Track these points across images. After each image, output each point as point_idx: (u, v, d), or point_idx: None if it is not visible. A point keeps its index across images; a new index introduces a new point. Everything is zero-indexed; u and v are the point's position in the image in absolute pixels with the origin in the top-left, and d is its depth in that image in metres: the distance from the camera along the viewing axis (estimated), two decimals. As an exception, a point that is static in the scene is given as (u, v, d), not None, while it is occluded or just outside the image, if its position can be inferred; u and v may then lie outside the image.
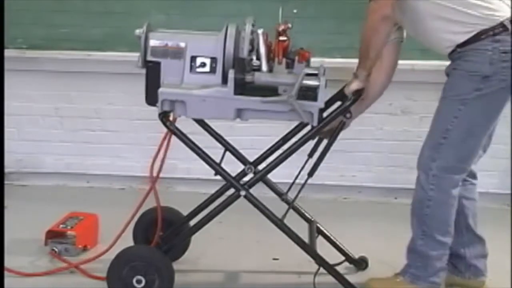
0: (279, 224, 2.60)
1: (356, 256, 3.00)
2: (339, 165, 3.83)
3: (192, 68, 2.51)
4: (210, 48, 2.51)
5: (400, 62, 2.80)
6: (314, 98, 2.44)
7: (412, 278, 2.67)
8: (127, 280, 2.56)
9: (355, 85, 2.55)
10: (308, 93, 2.44)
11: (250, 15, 2.57)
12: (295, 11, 2.49)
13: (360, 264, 2.99)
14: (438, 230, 2.61)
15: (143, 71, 3.89)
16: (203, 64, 2.50)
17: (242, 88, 2.47)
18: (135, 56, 3.77)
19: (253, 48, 2.52)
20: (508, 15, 2.44)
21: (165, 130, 2.60)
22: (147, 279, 2.55)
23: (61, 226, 3.11)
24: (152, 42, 2.54)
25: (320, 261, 2.66)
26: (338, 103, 2.68)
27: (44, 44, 3.83)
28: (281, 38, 2.48)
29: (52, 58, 3.84)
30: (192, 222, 2.82)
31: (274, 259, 3.06)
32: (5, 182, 3.34)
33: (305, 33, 3.72)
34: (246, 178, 2.69)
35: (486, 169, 3.92)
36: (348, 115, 2.57)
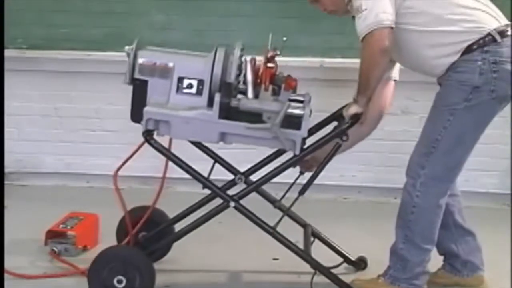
0: (272, 232, 2.61)
1: (355, 256, 3.00)
2: (339, 165, 3.82)
3: (178, 89, 2.53)
4: (198, 70, 2.52)
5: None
6: (298, 127, 2.46)
7: (392, 279, 2.69)
8: (108, 281, 2.56)
9: (354, 109, 2.55)
10: (292, 122, 2.47)
11: (240, 40, 2.59)
12: (284, 38, 2.51)
13: (359, 264, 2.99)
14: (421, 237, 2.62)
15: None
16: (190, 86, 2.52)
17: (227, 112, 2.49)
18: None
19: (241, 72, 2.54)
20: (493, 26, 2.45)
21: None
22: (128, 279, 2.55)
23: (61, 226, 3.10)
24: (141, 60, 2.54)
25: (316, 265, 2.66)
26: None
27: (44, 44, 3.84)
28: (269, 64, 2.50)
29: (52, 58, 3.84)
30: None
31: (274, 259, 3.06)
32: (5, 182, 3.34)
33: (305, 33, 3.76)
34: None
35: (486, 169, 3.96)
36: (344, 137, 2.57)
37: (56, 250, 3.02)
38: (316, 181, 2.70)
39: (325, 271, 2.68)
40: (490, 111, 2.51)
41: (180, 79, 2.51)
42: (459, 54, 2.46)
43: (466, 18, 2.44)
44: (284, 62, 3.73)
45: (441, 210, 2.62)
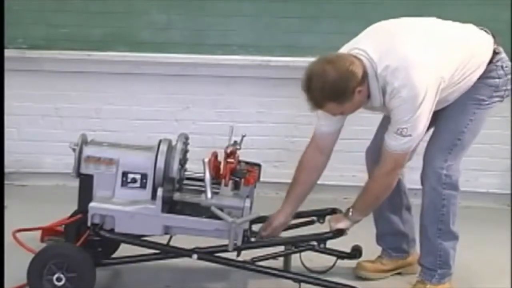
0: (248, 267, 2.65)
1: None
2: (339, 165, 3.82)
3: (123, 183, 2.58)
4: (141, 164, 2.58)
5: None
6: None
7: (439, 278, 2.74)
8: (47, 278, 2.55)
9: (343, 225, 2.66)
10: (235, 214, 2.52)
11: (183, 133, 2.66)
12: (244, 135, 2.58)
13: (353, 255, 2.97)
14: (453, 222, 2.70)
15: (143, 70, 3.92)
16: (134, 180, 2.57)
17: (171, 205, 2.55)
18: (135, 56, 3.83)
19: (183, 165, 2.63)
20: (492, 45, 2.62)
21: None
22: (68, 277, 2.55)
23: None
24: (86, 155, 2.60)
25: (298, 279, 2.67)
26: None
27: (44, 44, 3.83)
28: (229, 160, 2.55)
29: (52, 58, 3.84)
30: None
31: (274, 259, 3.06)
32: (5, 182, 3.33)
33: (305, 33, 3.76)
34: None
35: (486, 169, 3.96)
36: (322, 245, 2.65)
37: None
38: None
39: (311, 280, 2.68)
40: (496, 106, 2.68)
41: (125, 174, 2.58)
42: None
43: (483, 59, 2.59)
44: (285, 62, 3.78)
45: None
